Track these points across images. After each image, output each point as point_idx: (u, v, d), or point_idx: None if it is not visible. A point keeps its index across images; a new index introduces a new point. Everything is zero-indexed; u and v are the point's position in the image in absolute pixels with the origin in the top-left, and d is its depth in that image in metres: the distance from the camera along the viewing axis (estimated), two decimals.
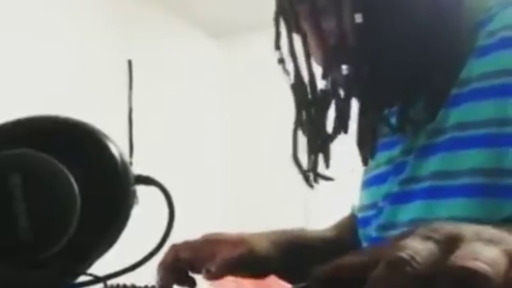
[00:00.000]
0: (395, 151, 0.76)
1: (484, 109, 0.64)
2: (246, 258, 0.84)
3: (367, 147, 0.75)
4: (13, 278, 0.56)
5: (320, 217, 3.47)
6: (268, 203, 3.98)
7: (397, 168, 0.75)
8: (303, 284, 0.35)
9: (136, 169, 0.64)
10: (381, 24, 0.69)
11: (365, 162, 0.77)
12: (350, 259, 0.34)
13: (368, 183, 0.84)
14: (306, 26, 0.73)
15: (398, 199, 0.73)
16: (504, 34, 0.65)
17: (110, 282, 0.60)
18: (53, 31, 2.92)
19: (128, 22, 3.21)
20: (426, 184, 0.68)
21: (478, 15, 0.70)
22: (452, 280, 0.29)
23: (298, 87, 0.75)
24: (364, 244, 0.83)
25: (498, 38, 0.66)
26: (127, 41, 3.09)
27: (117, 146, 0.62)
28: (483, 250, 0.30)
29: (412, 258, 0.30)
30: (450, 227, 0.33)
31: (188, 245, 0.84)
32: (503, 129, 0.62)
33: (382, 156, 0.79)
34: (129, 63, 3.10)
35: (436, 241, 0.32)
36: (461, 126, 0.66)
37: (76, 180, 0.56)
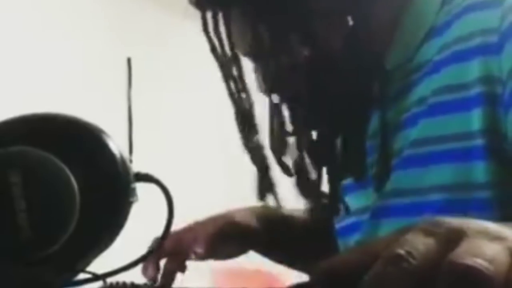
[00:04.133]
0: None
1: (449, 124, 0.63)
2: (228, 230, 0.84)
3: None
4: (12, 275, 0.56)
5: None
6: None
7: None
8: (305, 282, 0.35)
9: (136, 166, 0.64)
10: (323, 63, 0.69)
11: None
12: (350, 256, 0.34)
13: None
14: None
15: (377, 213, 0.72)
16: (457, 47, 0.64)
17: (109, 279, 0.60)
18: (53, 28, 2.91)
19: (127, 20, 3.21)
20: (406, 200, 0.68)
21: (426, 27, 0.69)
22: (451, 277, 0.28)
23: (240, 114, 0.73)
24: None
25: (450, 52, 0.64)
26: (126, 39, 3.09)
27: (117, 143, 0.62)
28: (484, 247, 0.30)
29: (410, 253, 0.29)
30: (453, 222, 0.32)
31: (170, 236, 0.86)
32: (468, 142, 0.61)
33: None
34: (129, 61, 3.09)
35: (438, 236, 0.31)
36: (422, 142, 0.65)
37: (75, 178, 0.56)
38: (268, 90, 0.71)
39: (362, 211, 0.75)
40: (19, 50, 2.74)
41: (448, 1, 0.68)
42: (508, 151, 0.59)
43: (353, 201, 0.77)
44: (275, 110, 0.72)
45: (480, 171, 0.61)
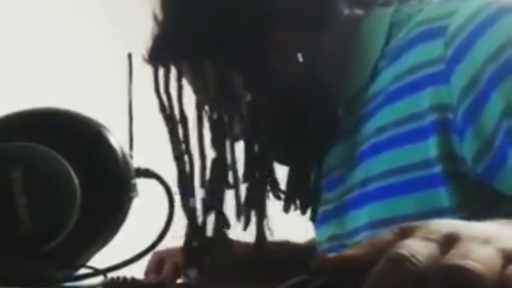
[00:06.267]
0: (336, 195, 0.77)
1: (408, 154, 0.64)
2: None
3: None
4: (13, 270, 0.56)
5: None
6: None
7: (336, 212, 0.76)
8: (301, 278, 0.35)
9: (136, 162, 0.64)
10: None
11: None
12: (349, 253, 0.34)
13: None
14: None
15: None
16: (408, 79, 0.65)
17: (110, 274, 0.61)
18: (53, 24, 2.91)
19: (128, 16, 3.20)
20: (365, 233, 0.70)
21: (374, 58, 0.71)
22: (444, 278, 0.29)
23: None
24: None
25: (402, 84, 0.65)
26: (127, 35, 3.08)
27: (117, 139, 0.62)
28: (477, 248, 0.30)
29: (413, 256, 0.30)
30: (447, 227, 0.33)
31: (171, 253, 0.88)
32: (429, 170, 0.62)
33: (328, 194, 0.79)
34: (129, 56, 3.08)
35: (436, 241, 0.32)
36: (386, 174, 0.66)
37: (76, 173, 0.56)
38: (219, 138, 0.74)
39: (338, 237, 0.76)
40: (20, 46, 2.74)
41: (396, 30, 0.70)
42: (467, 174, 0.61)
43: (328, 229, 0.78)
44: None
45: (443, 197, 0.62)
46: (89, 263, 0.62)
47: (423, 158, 0.63)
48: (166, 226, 0.65)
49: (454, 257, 0.30)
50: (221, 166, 0.73)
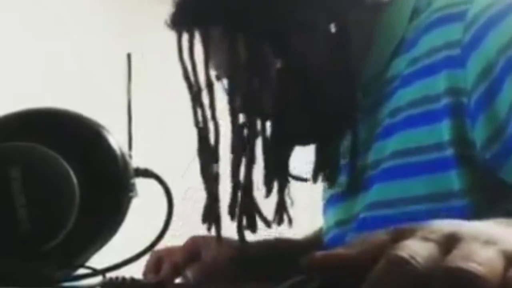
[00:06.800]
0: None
1: (421, 136, 0.65)
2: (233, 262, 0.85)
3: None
4: (12, 270, 0.56)
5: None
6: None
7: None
8: (300, 277, 0.35)
9: (135, 161, 0.64)
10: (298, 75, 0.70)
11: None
12: (340, 251, 0.34)
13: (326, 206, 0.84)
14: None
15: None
16: (425, 61, 0.66)
17: (109, 274, 0.61)
18: (53, 24, 2.91)
19: (127, 16, 3.20)
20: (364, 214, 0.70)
21: (395, 42, 0.71)
22: (446, 280, 0.29)
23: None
24: None
25: (419, 66, 0.66)
26: (126, 34, 3.09)
27: (116, 139, 0.62)
28: (479, 250, 0.30)
29: (412, 257, 0.30)
30: (448, 227, 0.33)
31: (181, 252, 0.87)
32: (441, 153, 0.63)
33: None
34: (129, 56, 3.09)
35: (436, 242, 0.32)
36: (400, 154, 0.67)
37: (75, 173, 0.56)
38: (241, 108, 0.72)
39: (344, 222, 0.76)
40: (20, 46, 2.74)
41: (416, 15, 0.71)
42: (478, 159, 0.61)
43: (336, 213, 0.78)
44: (240, 133, 0.72)
45: (454, 180, 0.63)
46: (88, 263, 0.62)
47: (436, 140, 0.64)
48: (165, 225, 0.65)
49: (456, 259, 0.29)
50: (250, 133, 0.71)
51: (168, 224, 0.65)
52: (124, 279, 0.60)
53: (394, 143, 0.68)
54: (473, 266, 0.29)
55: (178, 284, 0.84)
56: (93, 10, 3.10)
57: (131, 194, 0.61)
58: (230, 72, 0.71)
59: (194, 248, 0.86)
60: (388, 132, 0.69)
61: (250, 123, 0.71)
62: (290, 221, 0.76)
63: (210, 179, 0.73)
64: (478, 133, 0.61)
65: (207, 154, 0.74)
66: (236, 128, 0.71)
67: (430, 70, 0.65)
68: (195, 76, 0.73)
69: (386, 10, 0.73)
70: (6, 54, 2.67)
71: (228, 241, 0.82)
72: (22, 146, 0.56)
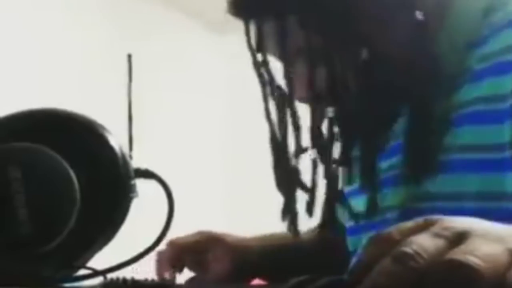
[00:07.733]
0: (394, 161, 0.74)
1: (484, 134, 0.65)
2: (237, 267, 0.86)
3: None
4: (12, 271, 0.56)
5: None
6: (269, 196, 3.96)
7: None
8: (302, 278, 0.35)
9: (136, 162, 0.64)
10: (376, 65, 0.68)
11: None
12: (368, 254, 0.34)
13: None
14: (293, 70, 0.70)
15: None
16: (499, 59, 0.65)
17: (109, 275, 0.60)
18: (53, 24, 2.91)
19: (128, 16, 3.21)
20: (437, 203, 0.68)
21: (466, 36, 0.70)
22: (442, 273, 0.29)
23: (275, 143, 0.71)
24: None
25: (491, 64, 0.66)
26: (127, 35, 3.09)
27: (117, 139, 0.62)
28: (483, 246, 0.30)
29: (418, 253, 0.30)
30: (463, 225, 0.33)
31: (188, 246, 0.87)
32: (500, 154, 0.63)
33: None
34: (129, 57, 3.09)
35: (445, 238, 0.32)
36: (464, 148, 0.66)
37: (75, 173, 0.56)
38: (314, 96, 0.69)
39: (384, 211, 0.74)
40: (19, 45, 2.74)
41: (490, 13, 0.70)
42: None
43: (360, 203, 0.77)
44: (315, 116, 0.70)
45: (509, 181, 0.62)
46: (89, 264, 0.61)
47: (497, 141, 0.63)
48: (165, 226, 0.64)
49: (456, 253, 0.30)
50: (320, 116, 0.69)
51: (169, 225, 0.64)
52: (125, 280, 0.60)
53: (455, 136, 0.67)
54: (471, 260, 0.29)
55: (180, 285, 0.84)
56: (94, 10, 3.11)
57: (131, 194, 0.61)
58: (310, 61, 0.68)
59: (202, 247, 0.87)
60: (455, 123, 0.68)
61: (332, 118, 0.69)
62: None
63: (282, 175, 0.72)
64: None
65: (279, 150, 0.71)
66: (315, 122, 0.69)
67: (502, 69, 0.65)
68: (265, 62, 0.70)
69: (455, 5, 0.71)
70: (6, 54, 2.67)
71: (235, 243, 0.83)
72: (22, 146, 0.56)
